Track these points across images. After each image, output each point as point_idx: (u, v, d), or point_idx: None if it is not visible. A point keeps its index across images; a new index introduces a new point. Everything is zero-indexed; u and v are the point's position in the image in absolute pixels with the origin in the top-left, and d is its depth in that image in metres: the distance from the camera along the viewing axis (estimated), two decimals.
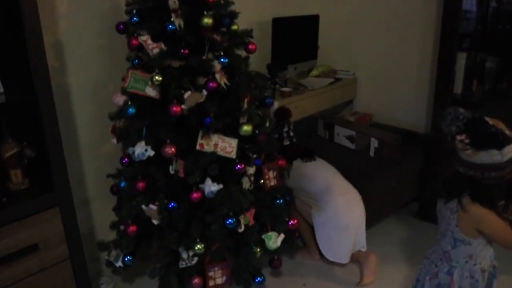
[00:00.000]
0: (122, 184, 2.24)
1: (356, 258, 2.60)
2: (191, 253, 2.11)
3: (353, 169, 2.92)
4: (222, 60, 1.96)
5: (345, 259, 2.57)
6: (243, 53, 2.18)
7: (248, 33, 2.14)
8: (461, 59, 2.93)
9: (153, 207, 2.08)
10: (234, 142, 2.04)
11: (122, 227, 2.29)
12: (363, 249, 2.60)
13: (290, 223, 2.38)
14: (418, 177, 3.27)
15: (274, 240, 2.27)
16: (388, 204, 3.13)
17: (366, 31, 3.66)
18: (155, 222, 2.12)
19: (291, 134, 2.89)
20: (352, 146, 3.26)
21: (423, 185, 3.21)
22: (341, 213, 2.52)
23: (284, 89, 3.08)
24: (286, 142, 2.86)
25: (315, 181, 2.63)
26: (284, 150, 2.76)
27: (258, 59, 3.17)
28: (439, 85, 2.95)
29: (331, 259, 2.59)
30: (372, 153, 3.13)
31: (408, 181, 3.23)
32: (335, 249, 2.56)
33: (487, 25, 2.98)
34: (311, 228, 2.68)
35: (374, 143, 3.10)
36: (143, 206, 2.11)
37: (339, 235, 2.52)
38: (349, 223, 2.52)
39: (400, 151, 3.14)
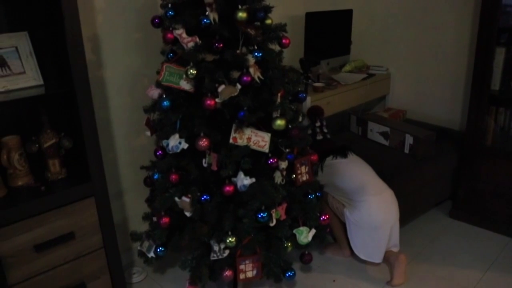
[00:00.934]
0: (156, 176, 2.27)
1: (387, 258, 2.56)
2: (222, 246, 2.13)
3: (387, 166, 2.88)
4: (256, 54, 1.96)
5: (378, 259, 2.54)
6: (276, 48, 2.17)
7: (282, 27, 2.13)
8: (500, 55, 2.83)
9: (186, 199, 2.10)
10: (267, 136, 2.04)
11: (154, 219, 2.32)
12: (396, 249, 2.57)
13: (321, 219, 2.37)
14: (452, 176, 3.20)
15: (305, 235, 2.27)
16: (421, 203, 3.07)
17: (400, 26, 3.60)
18: (187, 214, 2.14)
19: (325, 130, 2.87)
20: (386, 143, 3.21)
21: (458, 183, 3.14)
22: (374, 213, 2.48)
23: (317, 84, 3.06)
24: (319, 137, 2.84)
25: (349, 180, 2.59)
26: (317, 145, 2.77)
27: (291, 54, 3.17)
28: (475, 81, 2.87)
29: (362, 257, 2.56)
30: (406, 150, 3.07)
31: (442, 179, 3.16)
32: (367, 249, 2.54)
33: None
34: (343, 224, 2.66)
35: (409, 139, 3.05)
36: (176, 198, 2.13)
37: (371, 234, 2.49)
38: (382, 224, 2.49)
39: (434, 149, 3.08)
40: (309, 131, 2.86)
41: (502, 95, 2.92)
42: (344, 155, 2.72)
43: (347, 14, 3.56)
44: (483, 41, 2.78)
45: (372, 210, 2.47)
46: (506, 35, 2.99)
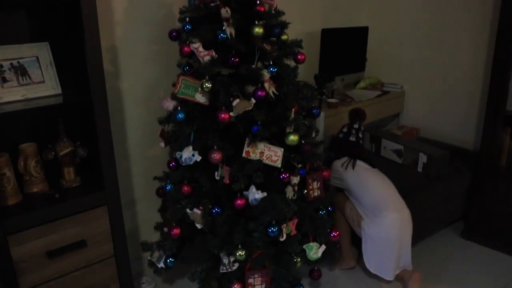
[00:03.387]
0: (168, 187, 2.29)
1: (401, 277, 2.53)
2: (232, 259, 2.13)
3: (400, 184, 2.85)
4: (271, 69, 1.98)
5: (390, 276, 2.50)
6: (292, 63, 2.19)
7: (297, 43, 2.15)
8: None
9: (197, 211, 2.11)
10: (280, 151, 2.05)
11: (165, 229, 2.34)
12: (409, 268, 2.54)
13: (332, 235, 2.36)
14: (465, 196, 3.17)
15: (315, 250, 2.26)
16: (434, 222, 3.05)
17: (415, 44, 3.61)
18: (198, 226, 2.15)
19: (360, 135, 2.81)
20: (399, 161, 3.20)
21: (470, 204, 3.11)
22: (392, 230, 2.45)
23: (331, 100, 3.07)
24: (352, 139, 2.79)
25: (372, 191, 2.55)
26: (346, 144, 2.77)
27: (306, 69, 3.19)
28: (491, 101, 2.86)
29: (374, 272, 2.53)
30: (420, 169, 3.06)
31: (454, 199, 3.14)
32: (380, 264, 2.51)
33: None
34: (350, 235, 2.67)
35: (422, 158, 3.03)
36: (188, 210, 2.14)
37: (386, 251, 2.47)
38: (398, 242, 2.47)
39: (448, 168, 3.06)
40: (345, 129, 2.83)
41: None
42: (373, 165, 2.70)
43: (362, 31, 3.58)
44: (499, 61, 2.77)
45: (391, 227, 2.45)
46: None
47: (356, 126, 2.78)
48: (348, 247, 2.71)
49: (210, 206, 2.11)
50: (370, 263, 2.54)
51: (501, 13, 2.71)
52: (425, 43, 3.55)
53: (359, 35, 3.57)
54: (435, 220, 3.05)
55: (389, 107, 3.59)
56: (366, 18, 3.79)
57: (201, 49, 2.00)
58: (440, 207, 3.01)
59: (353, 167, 2.64)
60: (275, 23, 2.06)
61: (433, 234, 3.13)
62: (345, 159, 2.71)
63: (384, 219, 2.44)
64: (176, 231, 2.22)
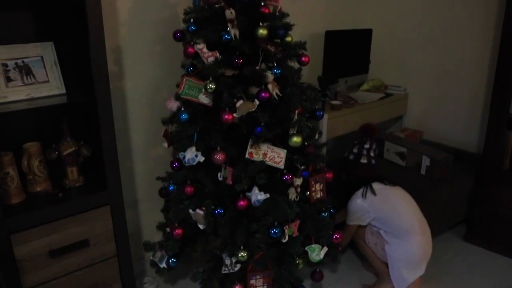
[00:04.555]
0: (171, 188, 2.29)
1: None
2: (234, 260, 2.13)
3: (403, 186, 2.85)
4: (275, 71, 1.98)
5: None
6: (295, 65, 2.19)
7: (301, 45, 2.16)
8: None
9: (199, 212, 2.12)
10: (283, 153, 2.05)
11: (168, 229, 2.34)
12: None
13: (334, 237, 2.36)
14: (467, 199, 3.17)
15: (317, 252, 2.26)
16: (436, 224, 3.03)
17: (419, 47, 3.61)
18: (201, 226, 2.16)
19: (372, 154, 2.66)
20: (402, 163, 3.20)
21: (473, 207, 3.11)
22: (418, 252, 2.39)
23: (334, 102, 3.07)
24: (364, 161, 2.64)
25: (403, 215, 2.42)
26: (356, 168, 2.65)
27: (310, 71, 3.19)
28: (494, 105, 2.86)
29: None
30: (423, 171, 3.05)
31: (457, 202, 3.13)
32: (407, 282, 2.44)
33: None
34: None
35: (425, 161, 3.03)
36: (190, 211, 2.15)
37: (411, 270, 2.42)
38: (422, 262, 2.43)
39: (451, 171, 3.06)
40: (355, 149, 2.67)
41: None
42: (394, 183, 2.57)
43: (366, 34, 3.58)
44: (502, 65, 2.76)
45: (416, 249, 2.38)
46: None
47: (367, 146, 2.64)
48: (385, 270, 2.51)
49: (213, 207, 2.11)
50: (401, 285, 2.45)
51: (505, 15, 2.70)
52: (429, 46, 3.55)
53: (363, 37, 3.56)
54: (438, 223, 3.04)
55: (392, 110, 3.59)
56: (370, 20, 3.78)
57: (205, 50, 2.01)
58: (442, 210, 3.01)
59: (373, 192, 2.48)
60: (279, 24, 2.06)
61: (435, 237, 3.11)
62: (360, 193, 2.50)
63: (410, 242, 2.37)
64: (179, 231, 2.22)
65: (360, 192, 2.49)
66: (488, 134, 2.92)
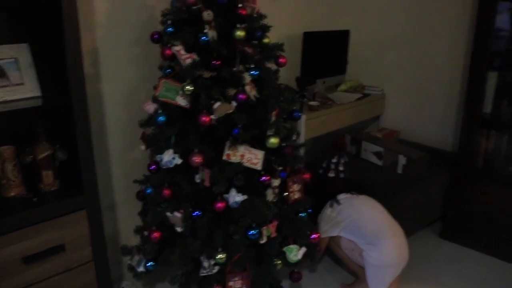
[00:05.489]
0: (148, 191, 2.27)
1: None
2: (212, 262, 2.13)
3: (380, 185, 2.90)
4: (252, 72, 1.99)
5: None
6: (273, 66, 2.20)
7: (279, 46, 2.16)
8: (492, 78, 2.88)
9: (177, 214, 2.11)
10: (260, 154, 2.06)
11: (146, 233, 2.32)
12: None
13: (312, 237, 2.38)
14: (443, 196, 3.23)
15: (295, 253, 2.27)
16: (413, 222, 3.09)
17: (395, 47, 3.66)
18: (178, 229, 2.15)
19: (340, 168, 2.82)
20: (379, 163, 3.24)
21: (448, 204, 3.16)
22: (394, 255, 2.43)
23: (312, 102, 3.08)
24: (331, 174, 2.80)
25: (371, 220, 2.50)
26: (324, 182, 2.77)
27: (288, 72, 3.20)
28: (468, 104, 2.92)
29: None
30: (399, 170, 3.10)
31: (433, 200, 3.19)
32: (384, 285, 2.49)
33: None
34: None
35: (402, 160, 3.08)
36: (168, 213, 2.14)
37: (389, 274, 2.46)
38: (399, 264, 2.47)
39: (427, 169, 3.11)
40: (324, 165, 2.82)
41: (494, 118, 2.97)
42: (360, 192, 2.65)
43: (344, 35, 3.61)
44: (475, 65, 2.83)
45: (392, 252, 2.42)
46: (499, 59, 3.05)
47: (334, 160, 2.81)
48: (362, 269, 2.55)
49: (191, 209, 2.10)
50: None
51: (477, 18, 2.76)
52: (405, 47, 3.60)
53: (340, 38, 3.60)
54: (414, 220, 3.10)
55: (370, 110, 3.63)
56: (348, 21, 3.82)
57: (182, 51, 2.00)
58: (419, 208, 3.06)
59: (337, 202, 2.60)
60: (257, 26, 2.07)
61: (412, 234, 3.17)
62: (328, 205, 2.64)
63: (384, 246, 2.41)
64: (156, 234, 2.21)
65: (328, 204, 2.63)
66: (462, 133, 2.98)
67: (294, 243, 2.30)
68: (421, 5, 3.44)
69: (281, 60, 2.18)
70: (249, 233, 2.07)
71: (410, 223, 3.02)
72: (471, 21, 3.14)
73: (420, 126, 3.64)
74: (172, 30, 2.04)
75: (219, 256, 2.06)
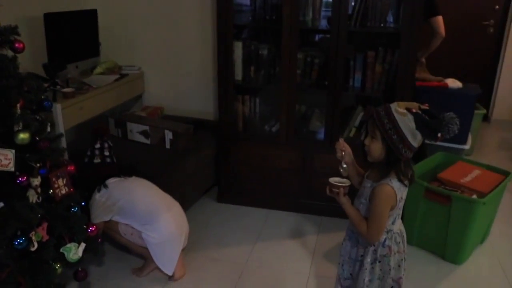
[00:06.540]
0: None
1: None
2: None
3: (151, 164, 2.91)
4: None
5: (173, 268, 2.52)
6: (9, 53, 1.96)
7: (12, 29, 1.92)
8: (238, 48, 3.12)
9: None
10: (10, 153, 1.83)
11: None
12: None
13: (89, 230, 2.25)
14: (214, 163, 3.42)
15: (75, 251, 2.13)
16: (190, 193, 3.20)
17: (146, 25, 3.67)
18: None
19: (106, 153, 2.73)
20: (148, 141, 3.23)
21: (219, 169, 3.37)
22: (172, 229, 2.46)
23: (66, 89, 2.86)
24: (97, 160, 2.71)
25: (143, 200, 2.49)
26: (90, 169, 2.68)
27: (33, 59, 2.90)
28: (221, 73, 3.12)
29: (171, 273, 2.51)
30: (168, 145, 3.16)
31: (206, 168, 3.36)
32: (172, 262, 2.50)
33: (256, 16, 3.24)
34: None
35: (168, 135, 3.13)
36: None
37: (175, 248, 2.48)
38: (179, 236, 2.50)
39: (194, 140, 3.23)
40: (88, 153, 2.72)
41: (245, 84, 3.24)
42: (129, 174, 2.62)
43: (91, 14, 3.43)
44: (222, 37, 3.02)
45: (169, 226, 2.45)
46: (245, 31, 3.34)
47: (97, 146, 2.72)
48: (146, 250, 2.51)
49: None
50: (166, 267, 2.50)
51: None
52: (156, 24, 3.63)
53: (87, 18, 3.41)
54: (191, 191, 3.21)
55: (130, 90, 3.58)
56: (94, 0, 3.63)
57: None
58: (193, 178, 3.18)
59: (105, 186, 2.53)
60: None
61: (192, 204, 3.30)
62: (96, 190, 2.55)
63: (160, 222, 2.43)
64: None
65: (96, 189, 2.54)
66: (220, 101, 3.18)
67: (71, 241, 2.15)
68: None
69: (17, 45, 1.93)
70: (15, 243, 1.85)
71: (187, 195, 3.14)
72: None
73: (182, 100, 3.76)
74: None
75: None
